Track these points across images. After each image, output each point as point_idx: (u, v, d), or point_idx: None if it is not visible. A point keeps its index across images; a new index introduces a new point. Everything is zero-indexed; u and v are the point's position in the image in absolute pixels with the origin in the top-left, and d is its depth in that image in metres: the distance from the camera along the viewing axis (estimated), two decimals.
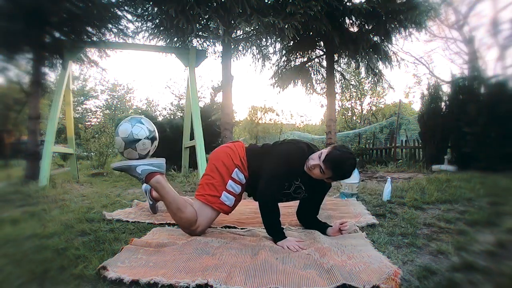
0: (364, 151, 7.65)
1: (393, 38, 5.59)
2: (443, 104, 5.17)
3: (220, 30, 4.28)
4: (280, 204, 2.12)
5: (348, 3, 4.94)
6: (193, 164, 5.49)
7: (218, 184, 1.90)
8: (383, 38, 5.54)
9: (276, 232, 1.78)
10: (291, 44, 6.24)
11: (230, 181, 1.91)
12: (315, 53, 6.85)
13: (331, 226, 1.97)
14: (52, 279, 1.33)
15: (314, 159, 1.77)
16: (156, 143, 1.93)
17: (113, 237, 1.89)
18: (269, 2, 4.70)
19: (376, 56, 5.93)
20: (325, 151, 1.77)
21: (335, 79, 6.66)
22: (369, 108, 17.06)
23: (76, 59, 4.97)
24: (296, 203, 2.18)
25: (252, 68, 18.76)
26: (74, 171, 5.33)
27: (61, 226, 2.14)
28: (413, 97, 22.63)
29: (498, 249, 1.55)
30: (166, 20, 4.09)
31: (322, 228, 1.97)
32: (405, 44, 27.48)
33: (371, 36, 5.38)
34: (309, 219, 2.07)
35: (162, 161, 1.92)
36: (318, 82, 7.35)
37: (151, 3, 4.53)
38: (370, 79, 7.04)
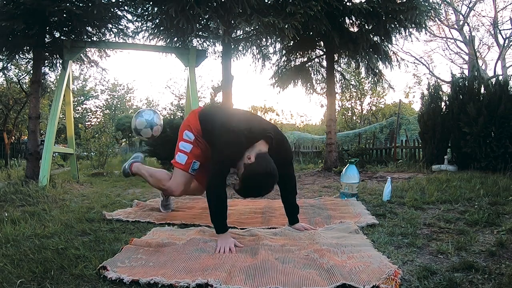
0: (364, 151, 7.64)
1: (393, 38, 5.57)
2: (443, 104, 5.17)
3: (220, 30, 4.28)
4: (280, 204, 2.12)
5: (348, 3, 4.93)
6: None
7: (176, 148, 2.20)
8: (383, 38, 5.53)
9: (218, 223, 1.76)
10: (291, 44, 6.23)
11: (181, 142, 2.17)
12: (315, 53, 6.84)
13: (298, 223, 2.05)
14: (52, 279, 1.33)
15: (240, 169, 1.79)
16: (156, 128, 2.61)
17: (113, 237, 1.89)
18: (269, 2, 4.70)
19: (376, 56, 5.92)
20: (248, 165, 1.75)
21: (335, 79, 6.64)
22: (369, 108, 17.07)
23: (76, 59, 4.96)
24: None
25: (252, 68, 18.80)
26: (74, 171, 5.33)
27: (61, 226, 2.14)
28: (413, 97, 22.66)
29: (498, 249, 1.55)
30: (166, 20, 4.09)
31: (290, 221, 2.07)
32: (405, 44, 27.48)
33: (371, 36, 5.37)
34: (287, 203, 2.07)
35: (138, 153, 2.63)
36: (318, 82, 7.34)
37: (151, 3, 4.52)
38: (370, 79, 7.03)
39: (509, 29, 14.81)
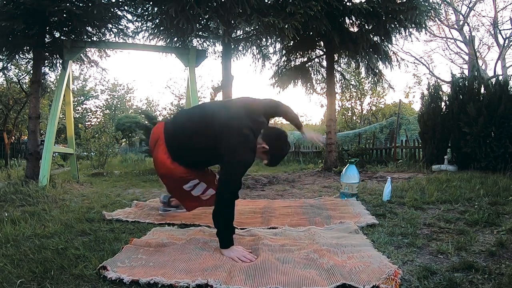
0: (364, 151, 7.63)
1: (393, 38, 5.57)
2: (443, 104, 5.17)
3: (220, 30, 4.27)
4: (280, 204, 2.12)
5: (348, 3, 4.93)
6: None
7: (183, 195, 2.12)
8: (383, 38, 5.53)
9: (226, 237, 1.63)
10: (291, 44, 6.23)
11: (193, 191, 2.09)
12: (315, 53, 6.85)
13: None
14: (52, 279, 1.33)
15: (261, 157, 1.85)
16: None
17: (113, 237, 1.89)
18: (269, 2, 4.70)
19: (376, 56, 5.92)
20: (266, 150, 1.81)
21: (335, 79, 6.65)
22: (369, 108, 17.07)
23: (76, 59, 4.96)
24: (295, 203, 2.20)
25: (252, 68, 18.82)
26: (74, 171, 5.33)
27: (61, 226, 2.14)
28: (413, 97, 22.65)
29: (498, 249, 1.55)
30: (166, 20, 4.09)
31: (300, 130, 2.33)
32: (405, 44, 27.48)
33: (371, 36, 5.37)
34: (292, 121, 2.26)
35: (162, 197, 2.60)
36: (318, 82, 7.35)
37: (151, 3, 4.52)
38: (370, 79, 7.03)
39: (509, 29, 14.82)
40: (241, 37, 5.55)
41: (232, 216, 1.67)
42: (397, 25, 5.12)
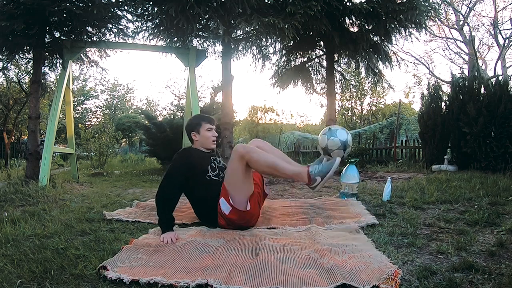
0: (364, 151, 7.62)
1: (393, 38, 5.58)
2: (443, 104, 5.17)
3: (220, 30, 4.27)
4: (280, 204, 2.12)
5: (348, 3, 4.93)
6: None
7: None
8: (383, 38, 5.53)
9: (161, 224, 1.95)
10: (291, 44, 6.23)
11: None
12: (315, 53, 6.85)
13: None
14: (52, 279, 1.33)
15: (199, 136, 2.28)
16: (349, 150, 2.39)
17: (113, 237, 1.89)
18: (269, 2, 4.70)
19: (376, 56, 5.92)
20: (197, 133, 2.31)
21: (335, 79, 6.65)
22: (369, 108, 17.07)
23: (76, 59, 4.96)
24: (295, 203, 2.19)
25: (252, 68, 18.80)
26: (74, 171, 5.33)
27: (61, 226, 2.14)
28: (413, 97, 22.64)
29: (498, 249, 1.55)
30: (166, 20, 4.09)
31: None
32: (405, 44, 27.46)
33: (371, 36, 5.37)
34: None
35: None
36: (318, 82, 7.36)
37: (151, 3, 4.52)
38: (370, 79, 7.04)
39: (509, 29, 14.81)
40: (241, 37, 5.55)
41: (158, 210, 2.00)
42: (397, 25, 5.12)
